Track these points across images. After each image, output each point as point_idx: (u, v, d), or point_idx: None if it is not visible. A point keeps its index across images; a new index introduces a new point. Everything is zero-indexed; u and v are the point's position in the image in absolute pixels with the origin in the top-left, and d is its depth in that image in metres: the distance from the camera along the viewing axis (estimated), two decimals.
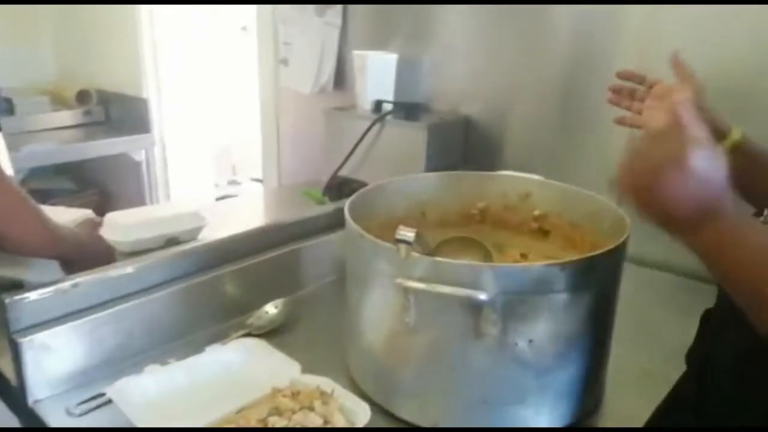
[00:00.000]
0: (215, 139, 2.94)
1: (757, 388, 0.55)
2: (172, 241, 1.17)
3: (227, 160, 3.61)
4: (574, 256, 0.68)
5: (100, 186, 2.65)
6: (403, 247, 0.62)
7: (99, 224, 1.06)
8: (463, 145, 1.42)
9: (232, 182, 3.46)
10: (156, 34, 2.34)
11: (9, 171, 1.89)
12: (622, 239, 0.70)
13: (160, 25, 2.35)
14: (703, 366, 0.60)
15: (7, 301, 0.74)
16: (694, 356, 0.61)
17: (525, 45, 1.32)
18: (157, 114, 2.45)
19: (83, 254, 0.93)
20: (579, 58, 1.25)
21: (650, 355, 0.90)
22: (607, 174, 0.58)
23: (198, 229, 1.21)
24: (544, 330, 0.67)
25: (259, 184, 3.33)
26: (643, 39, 1.15)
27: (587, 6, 1.21)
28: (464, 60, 1.42)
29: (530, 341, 0.66)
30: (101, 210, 1.18)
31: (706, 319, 0.61)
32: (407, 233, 0.61)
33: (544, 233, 0.95)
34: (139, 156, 2.46)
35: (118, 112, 2.54)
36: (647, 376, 0.85)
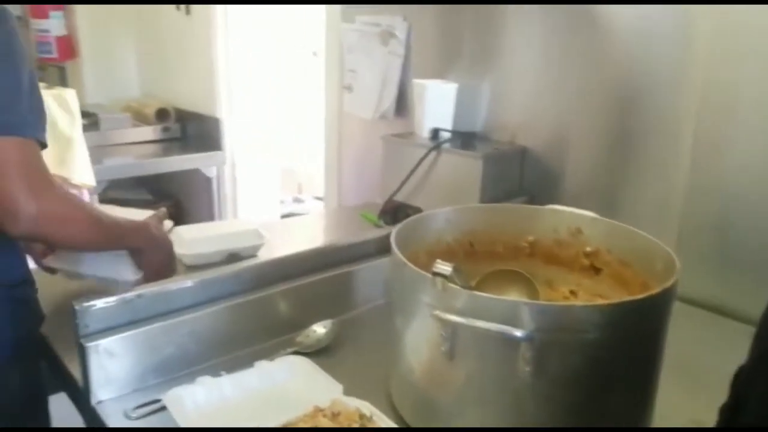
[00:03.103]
0: (282, 159, 3.05)
1: None
2: (233, 257, 1.23)
3: (293, 178, 3.73)
4: (622, 297, 0.67)
5: (174, 198, 2.81)
6: (439, 280, 0.64)
7: (164, 217, 1.15)
8: (519, 176, 1.42)
9: (297, 200, 3.57)
10: (230, 58, 2.47)
11: (92, 182, 2.05)
12: (669, 283, 0.69)
13: (235, 48, 2.48)
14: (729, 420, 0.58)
15: (77, 308, 0.81)
16: (723, 410, 0.59)
17: (586, 80, 1.31)
18: (228, 133, 2.57)
19: (149, 245, 1.03)
20: (641, 96, 1.23)
21: (702, 404, 0.87)
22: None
23: (257, 247, 1.27)
24: (582, 371, 0.66)
25: (321, 203, 3.42)
26: (706, 74, 1.12)
27: (651, 44, 1.19)
28: (524, 92, 1.43)
29: (566, 380, 0.66)
30: (174, 220, 1.27)
31: (737, 376, 0.59)
32: (444, 267, 0.63)
33: (595, 270, 0.94)
34: (211, 172, 2.59)
35: (194, 129, 2.69)
36: (697, 426, 0.82)
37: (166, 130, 2.67)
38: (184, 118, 2.70)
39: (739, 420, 0.64)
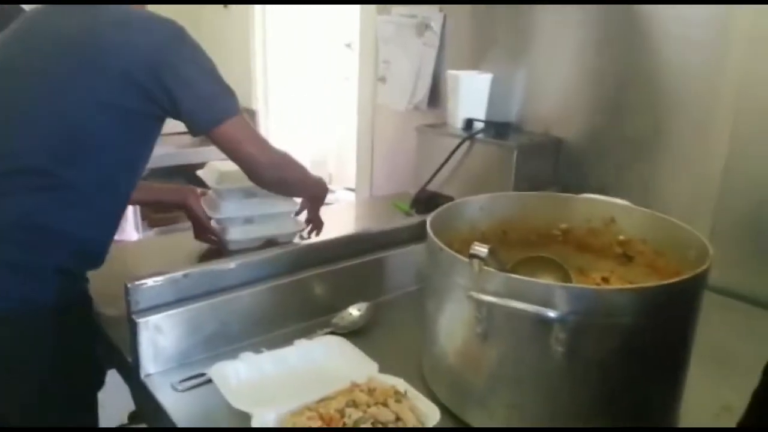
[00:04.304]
0: (314, 149, 3.09)
1: None
2: (271, 242, 1.28)
3: (324, 169, 3.77)
4: (654, 283, 0.69)
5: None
6: (476, 262, 0.66)
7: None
8: (553, 167, 1.43)
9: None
10: (267, 50, 2.52)
11: None
12: (701, 269, 0.70)
13: (270, 41, 2.52)
14: (762, 406, 0.59)
15: (129, 286, 0.86)
16: (756, 395, 0.60)
17: (622, 73, 1.31)
18: (264, 124, 2.62)
19: (323, 191, 1.29)
20: (676, 87, 1.23)
21: (733, 391, 0.87)
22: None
23: (294, 234, 1.31)
24: (613, 353, 0.68)
25: (352, 193, 3.45)
26: (744, 71, 1.12)
27: (689, 40, 1.19)
28: (559, 83, 1.43)
29: (599, 362, 0.68)
30: None
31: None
32: (481, 249, 0.65)
33: (628, 258, 0.95)
34: None
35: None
36: (727, 412, 0.83)
37: None
38: None
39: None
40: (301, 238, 1.32)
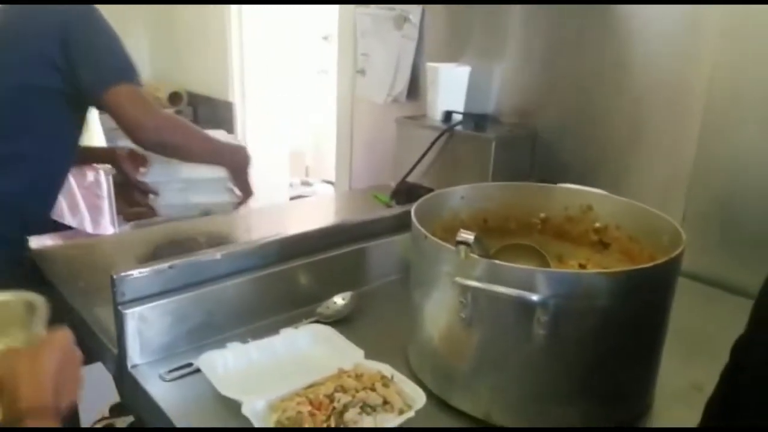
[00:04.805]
0: (291, 142, 3.09)
1: None
2: (207, 212, 1.36)
3: (301, 162, 3.77)
4: (630, 267, 0.72)
5: None
6: (462, 248, 0.68)
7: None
8: (530, 158, 1.46)
9: (305, 183, 3.61)
10: (244, 43, 2.50)
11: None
12: (675, 253, 0.73)
13: (248, 33, 2.51)
14: (729, 386, 0.62)
15: (114, 277, 0.86)
16: (723, 375, 0.63)
17: (596, 64, 1.34)
18: (240, 117, 2.61)
19: (242, 159, 1.34)
20: (649, 79, 1.26)
21: (703, 371, 0.91)
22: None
23: (229, 203, 1.37)
24: (592, 335, 0.71)
25: (329, 186, 3.46)
26: (714, 63, 1.16)
27: (661, 28, 1.22)
28: (535, 75, 1.46)
29: (579, 344, 0.71)
30: None
31: (737, 342, 0.63)
32: (467, 236, 0.67)
33: (603, 245, 0.98)
34: None
35: (206, 113, 2.72)
36: (698, 391, 0.86)
37: (178, 113, 2.71)
38: (197, 101, 2.74)
39: (739, 383, 0.69)
40: (236, 208, 1.40)
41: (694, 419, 0.80)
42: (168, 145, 1.24)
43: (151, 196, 1.32)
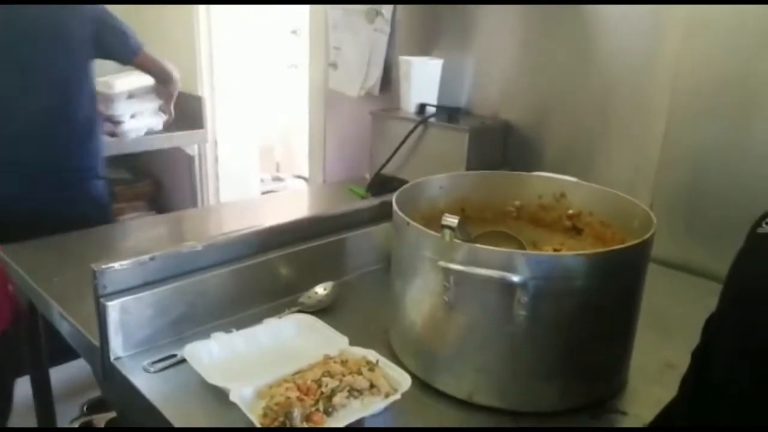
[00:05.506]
0: (261, 137, 3.07)
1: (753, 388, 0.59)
2: None
3: (271, 157, 3.75)
4: (605, 249, 0.75)
5: (154, 177, 2.80)
6: (447, 232, 0.70)
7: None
8: (503, 148, 1.49)
9: (276, 178, 3.59)
10: (212, 37, 2.48)
11: None
12: (647, 235, 0.77)
13: (216, 27, 2.48)
14: (701, 363, 0.65)
15: (95, 269, 0.85)
16: (695, 353, 0.67)
17: (565, 57, 1.38)
18: (210, 111, 2.58)
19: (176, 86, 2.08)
20: (617, 71, 1.30)
21: (674, 350, 0.95)
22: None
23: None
24: (571, 315, 0.74)
25: (301, 181, 3.46)
26: (679, 56, 1.20)
27: (629, 24, 1.26)
28: (506, 69, 1.49)
29: (557, 324, 0.73)
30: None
31: (708, 322, 0.67)
32: (452, 219, 0.69)
33: (577, 231, 1.01)
34: (192, 151, 2.59)
35: (175, 108, 2.68)
36: (670, 368, 0.90)
37: None
38: None
39: (709, 363, 0.72)
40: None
41: (667, 395, 0.85)
42: (172, 76, 1.99)
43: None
